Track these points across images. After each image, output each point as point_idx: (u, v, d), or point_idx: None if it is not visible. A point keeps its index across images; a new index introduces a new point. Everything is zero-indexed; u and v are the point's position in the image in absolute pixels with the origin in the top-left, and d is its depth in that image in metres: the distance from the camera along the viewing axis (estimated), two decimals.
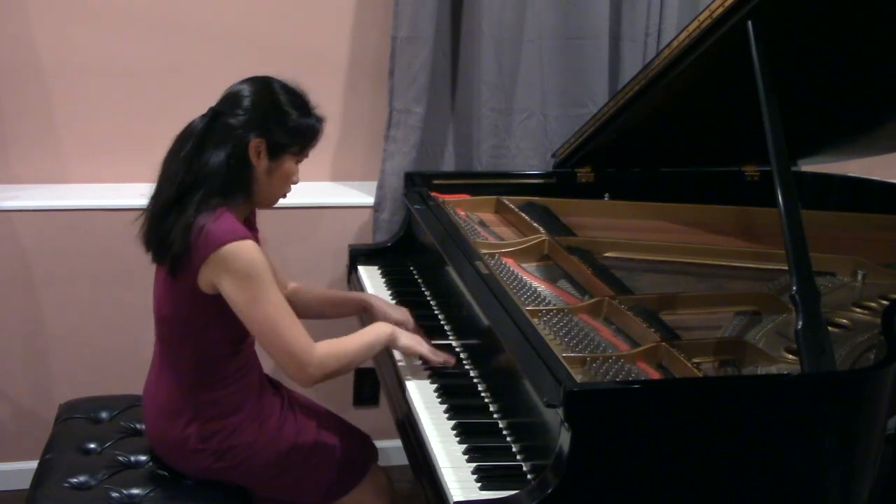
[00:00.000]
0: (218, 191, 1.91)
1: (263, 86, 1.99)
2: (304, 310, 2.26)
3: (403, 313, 2.25)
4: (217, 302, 1.92)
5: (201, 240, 1.87)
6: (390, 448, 2.49)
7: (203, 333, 1.97)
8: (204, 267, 1.88)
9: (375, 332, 2.06)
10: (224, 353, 2.00)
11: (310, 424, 2.13)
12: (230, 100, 1.97)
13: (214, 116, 1.95)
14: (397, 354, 2.17)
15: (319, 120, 2.03)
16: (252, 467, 2.04)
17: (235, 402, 2.03)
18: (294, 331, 1.91)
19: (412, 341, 2.07)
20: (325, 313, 2.36)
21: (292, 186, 2.06)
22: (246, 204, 2.00)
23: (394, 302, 2.41)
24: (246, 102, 1.95)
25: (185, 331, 1.99)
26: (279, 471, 2.06)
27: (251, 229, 2.09)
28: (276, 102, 1.97)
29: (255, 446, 2.03)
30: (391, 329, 2.07)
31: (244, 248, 1.87)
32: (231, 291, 1.88)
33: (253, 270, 1.87)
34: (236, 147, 1.93)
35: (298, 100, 2.00)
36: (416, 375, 2.07)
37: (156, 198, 1.96)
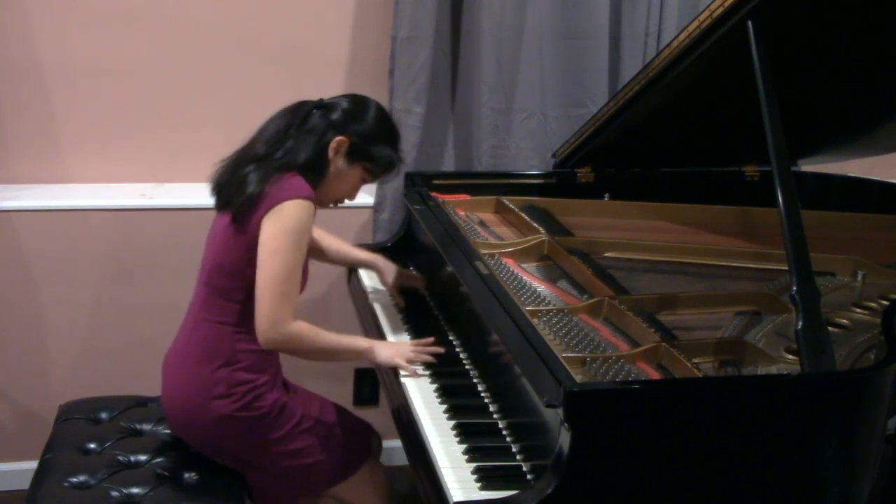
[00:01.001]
0: (296, 167, 2.04)
1: (375, 104, 2.16)
2: (320, 257, 2.48)
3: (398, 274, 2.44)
4: None
5: (272, 192, 1.99)
6: (390, 448, 2.49)
7: (253, 284, 2.01)
8: (266, 217, 1.98)
9: (354, 343, 2.13)
10: None
11: (314, 408, 2.20)
12: (342, 100, 2.13)
13: (326, 106, 2.11)
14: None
15: (401, 160, 2.21)
16: (265, 431, 2.08)
17: (264, 361, 2.10)
18: (287, 297, 1.99)
19: (386, 356, 2.09)
20: (332, 261, 2.53)
21: (347, 202, 2.20)
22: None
23: (400, 317, 2.41)
24: (349, 105, 2.11)
25: (238, 281, 2.06)
26: (284, 435, 2.09)
27: None
28: (379, 121, 2.14)
29: (272, 410, 2.09)
30: (369, 345, 2.12)
31: (302, 207, 1.99)
32: (266, 233, 1.98)
33: (296, 229, 1.98)
34: (323, 137, 2.08)
35: (395, 135, 2.18)
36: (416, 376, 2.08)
37: (245, 149, 2.10)
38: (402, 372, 2.07)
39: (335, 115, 2.10)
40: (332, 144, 2.08)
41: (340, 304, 2.85)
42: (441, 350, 2.11)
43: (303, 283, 2.07)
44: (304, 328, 2.03)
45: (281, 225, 1.98)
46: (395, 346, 2.13)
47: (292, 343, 2.03)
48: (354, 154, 2.11)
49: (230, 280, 2.07)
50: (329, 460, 2.16)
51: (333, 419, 2.22)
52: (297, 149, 2.06)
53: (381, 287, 2.55)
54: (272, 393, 2.11)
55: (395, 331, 2.32)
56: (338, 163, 2.10)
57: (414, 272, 2.54)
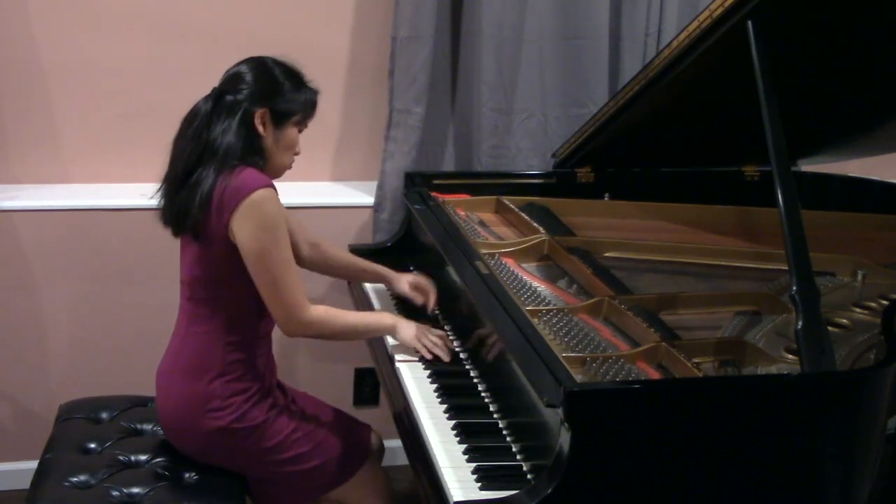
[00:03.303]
0: (232, 159, 2.00)
1: (260, 62, 2.09)
2: (325, 267, 2.46)
3: (411, 276, 2.41)
4: None
5: (228, 194, 1.95)
6: (390, 448, 2.49)
7: (236, 290, 2.03)
8: (233, 219, 1.95)
9: (378, 319, 2.20)
10: (254, 309, 2.06)
11: (311, 413, 2.19)
12: (231, 78, 2.07)
13: (219, 95, 2.04)
14: (396, 355, 2.17)
15: (315, 92, 2.13)
16: (260, 440, 2.07)
17: (258, 368, 2.10)
18: (293, 287, 2.00)
19: (409, 335, 2.14)
20: (341, 275, 2.55)
21: (295, 158, 2.14)
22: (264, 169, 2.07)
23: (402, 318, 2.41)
24: (247, 78, 2.05)
25: (217, 290, 2.05)
26: (280, 442, 2.09)
27: None
28: (275, 75, 2.07)
29: (269, 417, 2.08)
30: (394, 321, 2.17)
31: (267, 198, 1.97)
32: (245, 238, 1.96)
33: (271, 222, 1.97)
34: (243, 119, 2.02)
35: (294, 73, 2.10)
36: (416, 375, 2.08)
37: (168, 176, 2.06)
38: (397, 357, 2.13)
39: (240, 95, 2.03)
40: (256, 120, 2.03)
41: (341, 304, 2.84)
42: (449, 357, 2.12)
43: None
44: (323, 312, 2.06)
45: (253, 224, 1.96)
46: (419, 328, 2.16)
47: (315, 327, 2.05)
48: (280, 117, 2.06)
49: (211, 289, 2.05)
50: (326, 465, 2.15)
51: (330, 423, 2.21)
52: (229, 143, 2.00)
53: (381, 286, 2.55)
54: (266, 400, 2.10)
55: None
56: (269, 134, 2.06)
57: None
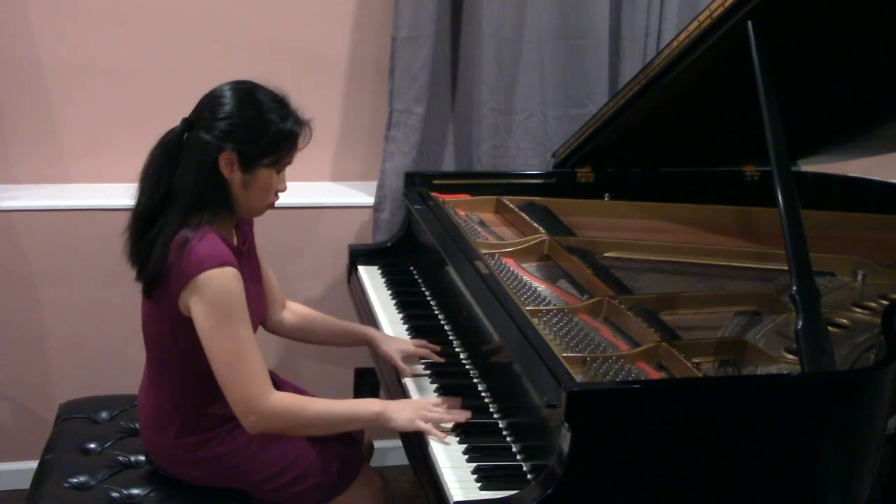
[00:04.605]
0: (192, 208, 1.86)
1: (236, 93, 1.89)
2: (308, 335, 2.29)
3: (406, 344, 2.17)
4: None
5: (182, 263, 1.82)
6: (390, 448, 2.50)
7: (189, 355, 1.90)
8: (183, 291, 1.84)
9: (357, 408, 1.97)
10: (210, 371, 1.88)
11: None
12: (202, 109, 1.89)
13: (187, 127, 1.89)
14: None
15: (299, 123, 1.91)
16: (245, 472, 2.02)
17: (226, 414, 1.96)
18: (252, 371, 1.84)
19: (405, 419, 1.87)
20: (326, 342, 2.34)
21: (280, 195, 1.99)
22: (230, 216, 1.95)
23: (400, 316, 2.38)
24: (218, 112, 1.86)
25: (171, 352, 1.95)
26: (273, 473, 2.03)
27: (243, 241, 2.04)
28: (248, 112, 1.87)
29: (247, 452, 2.00)
30: (382, 407, 1.91)
31: (221, 276, 1.82)
32: (199, 317, 1.83)
33: (224, 301, 1.82)
34: (205, 162, 1.85)
35: (274, 106, 1.89)
36: (415, 375, 2.08)
37: (134, 212, 1.92)
38: (405, 378, 2.00)
39: (207, 131, 1.84)
40: (222, 164, 1.85)
41: (341, 304, 2.85)
42: (468, 413, 1.86)
43: (254, 324, 1.94)
44: (289, 401, 1.89)
45: (205, 302, 1.81)
46: (414, 406, 1.90)
47: (281, 420, 1.88)
48: (249, 160, 1.86)
49: (162, 349, 1.96)
50: (323, 480, 2.07)
51: (327, 437, 2.09)
52: (189, 190, 1.84)
53: (381, 286, 2.55)
54: (239, 438, 1.98)
55: (396, 331, 2.32)
56: (237, 177, 1.87)
57: (418, 342, 2.21)
